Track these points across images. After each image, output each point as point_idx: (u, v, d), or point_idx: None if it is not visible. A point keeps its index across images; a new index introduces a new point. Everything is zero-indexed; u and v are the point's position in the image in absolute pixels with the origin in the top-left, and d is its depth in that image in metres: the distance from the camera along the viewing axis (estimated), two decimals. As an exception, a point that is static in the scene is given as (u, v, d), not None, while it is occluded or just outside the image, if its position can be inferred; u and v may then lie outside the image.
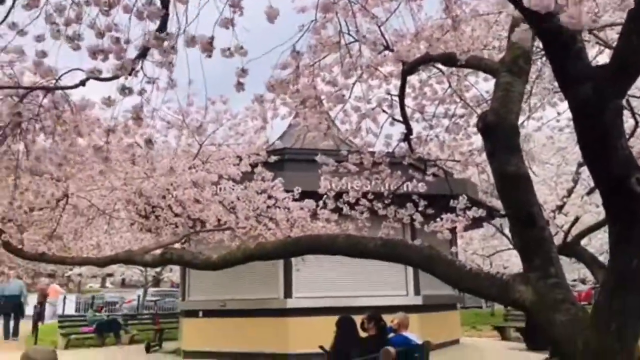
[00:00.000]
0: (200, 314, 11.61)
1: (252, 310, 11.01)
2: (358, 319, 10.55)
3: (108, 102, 3.88)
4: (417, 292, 11.40)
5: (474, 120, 6.50)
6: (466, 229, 9.10)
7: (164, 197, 7.72)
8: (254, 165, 8.01)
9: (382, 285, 11.19)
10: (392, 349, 5.52)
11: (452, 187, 7.37)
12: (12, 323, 16.14)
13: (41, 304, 20.47)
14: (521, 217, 3.46)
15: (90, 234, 8.71)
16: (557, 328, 3.18)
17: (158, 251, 6.75)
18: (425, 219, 7.63)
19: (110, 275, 42.72)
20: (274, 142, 10.51)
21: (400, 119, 6.08)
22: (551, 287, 3.31)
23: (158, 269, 25.52)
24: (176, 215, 8.28)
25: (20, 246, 6.45)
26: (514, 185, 3.48)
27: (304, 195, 8.02)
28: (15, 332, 16.11)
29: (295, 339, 10.55)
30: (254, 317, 10.96)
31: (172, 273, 27.45)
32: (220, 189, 7.63)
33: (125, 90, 3.58)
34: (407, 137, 6.29)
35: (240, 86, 3.80)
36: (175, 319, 17.06)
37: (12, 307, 15.92)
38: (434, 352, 11.30)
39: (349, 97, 5.78)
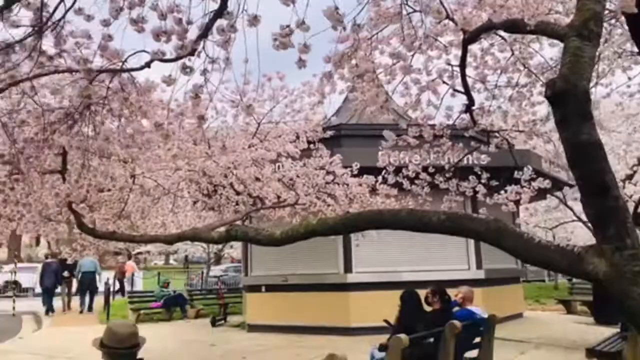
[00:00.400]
0: (263, 288, 11.87)
1: (313, 284, 11.16)
2: (420, 294, 10.57)
3: (168, 80, 3.97)
4: (479, 266, 11.23)
5: (538, 89, 6.27)
6: (529, 201, 8.83)
7: (225, 175, 7.86)
8: (311, 142, 8.04)
9: (443, 259, 11.08)
10: (457, 323, 5.47)
11: (516, 158, 7.17)
12: (87, 298, 17.59)
13: (120, 280, 21.71)
14: (594, 186, 3.32)
15: (156, 213, 9.00)
16: (634, 301, 3.06)
17: (222, 228, 6.93)
18: (488, 191, 7.47)
19: (174, 252, 44.30)
20: (330, 118, 10.48)
21: (462, 89, 5.94)
22: (628, 258, 3.17)
23: (219, 246, 26.13)
24: (237, 193, 8.44)
25: (92, 226, 6.73)
26: (587, 153, 3.33)
27: (362, 170, 7.99)
28: (90, 306, 17.52)
29: (356, 313, 10.64)
30: (315, 291, 11.11)
31: (233, 250, 28.07)
32: (279, 166, 7.70)
33: (186, 69, 3.63)
34: (468, 108, 6.14)
35: (302, 63, 3.80)
36: (239, 294, 17.57)
37: (87, 282, 17.46)
38: (499, 326, 11.17)
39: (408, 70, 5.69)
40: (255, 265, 12.37)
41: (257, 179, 7.87)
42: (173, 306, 15.62)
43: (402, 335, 4.78)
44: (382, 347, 5.29)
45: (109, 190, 6.94)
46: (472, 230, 4.69)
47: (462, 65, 5.59)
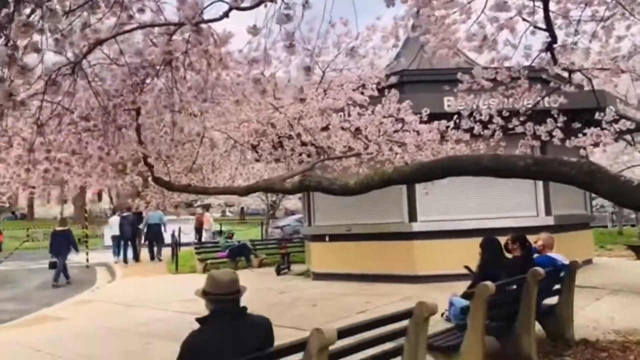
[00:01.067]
0: (327, 238, 12.00)
1: (377, 234, 11.19)
2: (478, 241, 10.41)
3: (254, 30, 3.90)
4: (548, 212, 10.95)
5: (622, 22, 5.87)
6: (596, 145, 8.44)
7: (291, 126, 7.84)
8: (379, 89, 7.85)
9: (511, 207, 10.84)
10: (540, 270, 5.35)
11: (597, 99, 6.81)
12: (155, 248, 18.94)
13: (198, 230, 23.31)
14: None
15: (225, 166, 9.12)
16: None
17: (295, 178, 6.97)
18: (565, 135, 7.18)
19: (231, 205, 45.33)
20: (392, 63, 10.20)
21: (543, 26, 5.64)
22: None
23: (274, 198, 26.39)
24: (303, 144, 8.43)
25: (167, 179, 6.89)
26: None
27: (431, 117, 7.80)
28: (159, 255, 18.81)
29: (421, 261, 10.64)
30: (379, 240, 11.15)
31: (287, 201, 28.35)
32: (347, 114, 7.59)
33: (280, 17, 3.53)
34: (550, 46, 5.83)
35: (390, 1, 3.65)
36: (300, 244, 17.87)
37: (154, 234, 18.81)
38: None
39: (484, 7, 5.43)
40: (319, 216, 12.48)
41: (324, 129, 7.81)
42: (238, 256, 16.06)
43: (489, 283, 4.70)
44: (466, 295, 5.24)
45: (184, 144, 7.04)
46: (563, 174, 4.53)
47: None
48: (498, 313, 5.39)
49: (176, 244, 16.57)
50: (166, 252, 18.93)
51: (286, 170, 10.61)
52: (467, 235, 10.60)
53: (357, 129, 7.66)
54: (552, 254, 6.38)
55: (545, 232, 6.87)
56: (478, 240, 10.52)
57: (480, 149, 8.07)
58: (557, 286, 6.31)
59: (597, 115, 6.95)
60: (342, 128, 7.61)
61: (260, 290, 11.07)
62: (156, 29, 4.24)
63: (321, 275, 11.96)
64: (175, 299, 10.52)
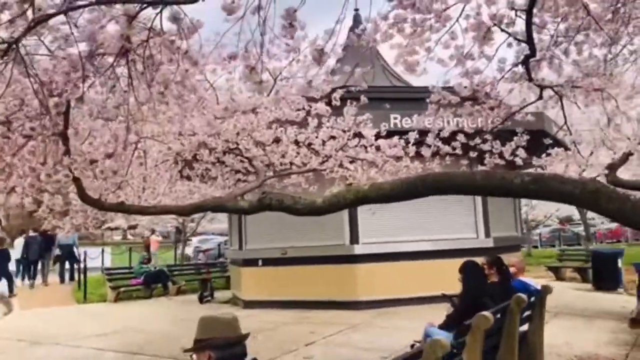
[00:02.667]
0: (260, 262, 11.18)
1: (316, 257, 10.55)
2: (430, 264, 10.17)
3: (230, 7, 3.23)
4: (487, 234, 10.85)
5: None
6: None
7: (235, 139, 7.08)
8: (328, 102, 7.29)
9: (452, 227, 10.65)
10: (523, 296, 4.96)
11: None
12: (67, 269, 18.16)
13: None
14: None
15: (155, 183, 8.13)
16: None
17: (247, 196, 6.20)
18: (528, 155, 6.99)
19: (134, 227, 42.77)
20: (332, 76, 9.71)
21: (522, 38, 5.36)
22: None
23: (182, 220, 24.68)
24: (248, 159, 7.67)
25: (96, 196, 5.86)
26: None
27: (389, 134, 7.34)
28: (72, 276, 17.89)
29: (363, 286, 10.12)
30: (318, 264, 10.51)
31: (210, 223, 26.95)
32: (302, 126, 6.94)
33: None
34: (527, 59, 5.57)
35: None
36: (220, 269, 16.81)
37: (68, 253, 18.02)
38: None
39: (459, 15, 5.07)
40: (251, 238, 11.64)
41: (275, 141, 7.13)
42: (154, 283, 14.75)
43: (487, 314, 4.21)
44: (461, 331, 4.70)
45: (111, 155, 6.04)
46: (565, 193, 4.15)
47: (530, 8, 5.00)
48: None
49: (84, 270, 14.95)
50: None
51: (213, 190, 9.76)
52: (408, 257, 10.28)
53: (310, 144, 7.04)
54: (525, 279, 6.07)
55: (487, 254, 6.59)
56: (420, 263, 10.32)
57: (433, 167, 7.74)
58: (527, 312, 5.97)
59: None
60: (296, 142, 6.96)
61: (187, 322, 9.96)
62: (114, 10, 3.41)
63: (253, 303, 11.10)
64: (90, 332, 9.25)
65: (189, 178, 8.82)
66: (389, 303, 9.95)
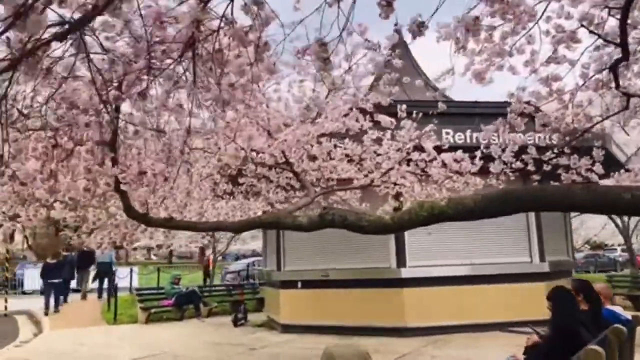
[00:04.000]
0: (299, 284, 10.65)
1: (359, 280, 10.00)
2: (482, 289, 9.53)
3: None
4: (542, 258, 10.18)
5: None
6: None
7: (283, 153, 6.62)
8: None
9: (505, 251, 10.02)
10: (622, 327, 4.37)
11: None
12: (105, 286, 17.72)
13: (205, 273, 21.56)
14: None
15: (194, 199, 7.72)
16: None
17: (298, 212, 5.74)
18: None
19: (158, 247, 42.55)
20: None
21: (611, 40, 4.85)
22: None
23: (207, 240, 24.02)
24: (293, 174, 7.22)
25: (143, 211, 5.45)
26: None
27: (451, 149, 6.82)
28: (110, 294, 16.38)
29: (411, 311, 9.51)
30: (362, 287, 9.95)
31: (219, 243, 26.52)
32: (359, 140, 6.47)
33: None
34: (617, 64, 5.03)
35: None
36: (252, 290, 16.32)
37: (105, 272, 17.79)
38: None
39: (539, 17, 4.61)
40: (290, 259, 11.13)
41: (330, 156, 6.67)
42: (185, 304, 14.29)
43: (599, 348, 3.64)
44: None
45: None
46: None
47: (627, 7, 4.47)
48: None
49: (115, 289, 14.57)
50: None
51: (258, 207, 9.34)
52: (459, 282, 9.67)
53: (362, 158, 6.57)
54: (612, 307, 5.45)
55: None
56: (471, 288, 9.69)
57: (497, 184, 7.20)
58: (615, 345, 5.35)
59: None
60: (346, 155, 6.50)
61: (224, 347, 9.52)
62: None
63: (291, 327, 10.54)
64: (123, 357, 8.80)
65: (231, 194, 8.40)
66: (439, 330, 9.33)
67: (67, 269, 17.07)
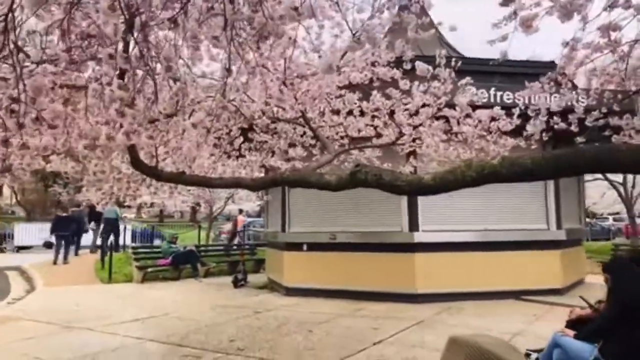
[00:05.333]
0: (305, 247, 10.24)
1: (369, 244, 9.59)
2: (497, 256, 9.15)
3: None
4: (559, 225, 9.81)
5: None
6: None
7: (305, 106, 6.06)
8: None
9: (521, 217, 9.63)
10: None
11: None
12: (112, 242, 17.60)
13: (234, 233, 21.98)
14: None
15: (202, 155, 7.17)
16: None
17: (325, 169, 5.25)
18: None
19: (149, 205, 42.03)
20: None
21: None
22: None
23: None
24: (311, 131, 6.69)
25: (153, 163, 4.93)
26: None
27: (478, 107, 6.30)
28: (116, 248, 17.18)
29: (423, 278, 9.16)
30: (371, 251, 9.56)
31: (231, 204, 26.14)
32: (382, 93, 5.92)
33: None
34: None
35: None
36: (250, 251, 15.98)
37: (112, 227, 18.10)
38: (575, 292, 9.86)
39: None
40: (295, 220, 10.69)
41: (349, 113, 6.15)
42: (183, 264, 13.90)
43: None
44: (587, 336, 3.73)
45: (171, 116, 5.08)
46: None
47: None
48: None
49: (111, 246, 14.12)
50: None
51: (250, 169, 8.80)
52: (473, 248, 9.31)
53: (392, 112, 6.04)
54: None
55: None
56: (486, 255, 9.31)
57: (521, 146, 6.76)
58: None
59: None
60: (375, 110, 5.96)
61: (227, 309, 9.15)
62: None
63: (296, 290, 10.19)
64: (124, 317, 8.42)
65: (239, 150, 7.85)
66: (451, 297, 9.00)
67: (76, 224, 17.41)
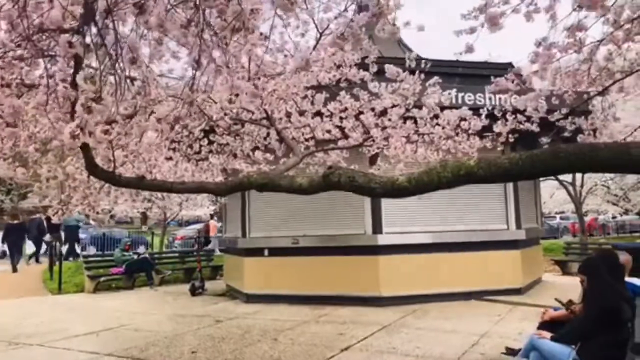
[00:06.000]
0: (266, 252, 10.00)
1: (332, 247, 9.45)
2: (460, 257, 9.17)
3: None
4: (518, 225, 9.93)
5: None
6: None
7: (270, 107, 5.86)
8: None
9: (481, 218, 9.70)
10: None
11: None
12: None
13: (206, 239, 21.99)
14: None
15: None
16: None
17: (290, 172, 5.07)
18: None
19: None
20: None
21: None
22: None
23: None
24: (276, 132, 6.48)
25: (110, 168, 4.62)
26: None
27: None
28: (75, 254, 18.00)
29: (387, 280, 9.08)
30: (334, 255, 9.41)
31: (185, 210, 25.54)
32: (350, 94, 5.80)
33: None
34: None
35: None
36: (206, 257, 15.61)
37: (73, 234, 18.64)
38: (532, 292, 10.02)
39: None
40: (255, 225, 10.42)
41: (317, 113, 5.98)
42: (137, 272, 13.39)
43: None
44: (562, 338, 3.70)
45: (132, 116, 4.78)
46: None
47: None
48: None
49: (60, 255, 13.45)
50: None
51: (211, 173, 8.52)
52: (436, 249, 9.31)
53: (360, 113, 5.91)
54: (631, 280, 5.10)
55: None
56: (448, 255, 9.33)
57: (488, 148, 6.78)
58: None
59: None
60: (342, 111, 5.82)
61: (186, 318, 8.82)
62: None
63: (257, 297, 9.94)
64: (77, 330, 7.98)
65: (198, 153, 7.55)
66: (415, 299, 8.97)
67: (35, 232, 17.70)
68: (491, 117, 6.09)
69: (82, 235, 20.11)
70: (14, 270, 16.08)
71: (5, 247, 17.13)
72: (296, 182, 4.46)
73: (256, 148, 7.31)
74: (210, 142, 7.09)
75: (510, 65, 10.48)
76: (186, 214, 33.60)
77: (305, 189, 4.45)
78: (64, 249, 17.28)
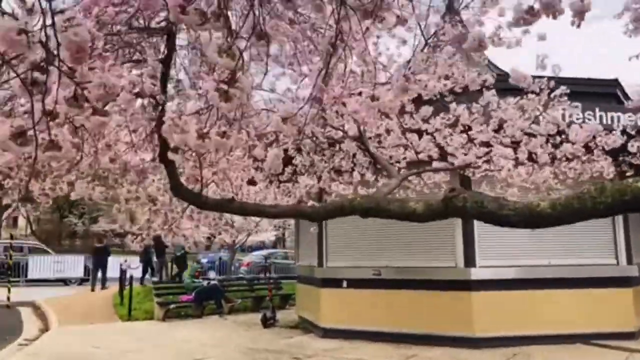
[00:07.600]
0: (345, 284, 9.31)
1: (418, 281, 8.65)
2: (565, 294, 8.18)
3: None
4: (629, 260, 8.80)
5: None
6: None
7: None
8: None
9: (587, 252, 8.66)
10: None
11: None
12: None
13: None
14: None
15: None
16: None
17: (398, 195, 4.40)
18: None
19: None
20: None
21: None
22: None
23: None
24: (368, 154, 5.84)
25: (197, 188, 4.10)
26: None
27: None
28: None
29: (482, 319, 8.17)
30: (422, 289, 8.60)
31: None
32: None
33: None
34: None
35: None
36: (275, 285, 15.04)
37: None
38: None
39: None
40: (334, 253, 9.76)
41: (417, 131, 5.31)
42: (206, 300, 12.98)
43: None
44: None
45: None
46: None
47: None
48: None
49: (130, 282, 13.22)
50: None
51: (293, 196, 7.94)
52: (533, 285, 8.35)
53: (469, 127, 5.19)
54: None
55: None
56: (553, 293, 8.30)
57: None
58: None
59: None
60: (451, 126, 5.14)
61: (262, 354, 8.21)
62: None
63: (334, 331, 9.21)
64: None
65: (279, 175, 7.01)
66: (513, 341, 8.01)
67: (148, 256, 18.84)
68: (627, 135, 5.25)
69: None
70: (92, 289, 17.97)
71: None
72: (409, 207, 3.76)
73: (342, 170, 6.72)
74: (292, 164, 6.54)
75: (616, 81, 9.55)
76: (251, 239, 33.54)
77: (419, 215, 3.72)
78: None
